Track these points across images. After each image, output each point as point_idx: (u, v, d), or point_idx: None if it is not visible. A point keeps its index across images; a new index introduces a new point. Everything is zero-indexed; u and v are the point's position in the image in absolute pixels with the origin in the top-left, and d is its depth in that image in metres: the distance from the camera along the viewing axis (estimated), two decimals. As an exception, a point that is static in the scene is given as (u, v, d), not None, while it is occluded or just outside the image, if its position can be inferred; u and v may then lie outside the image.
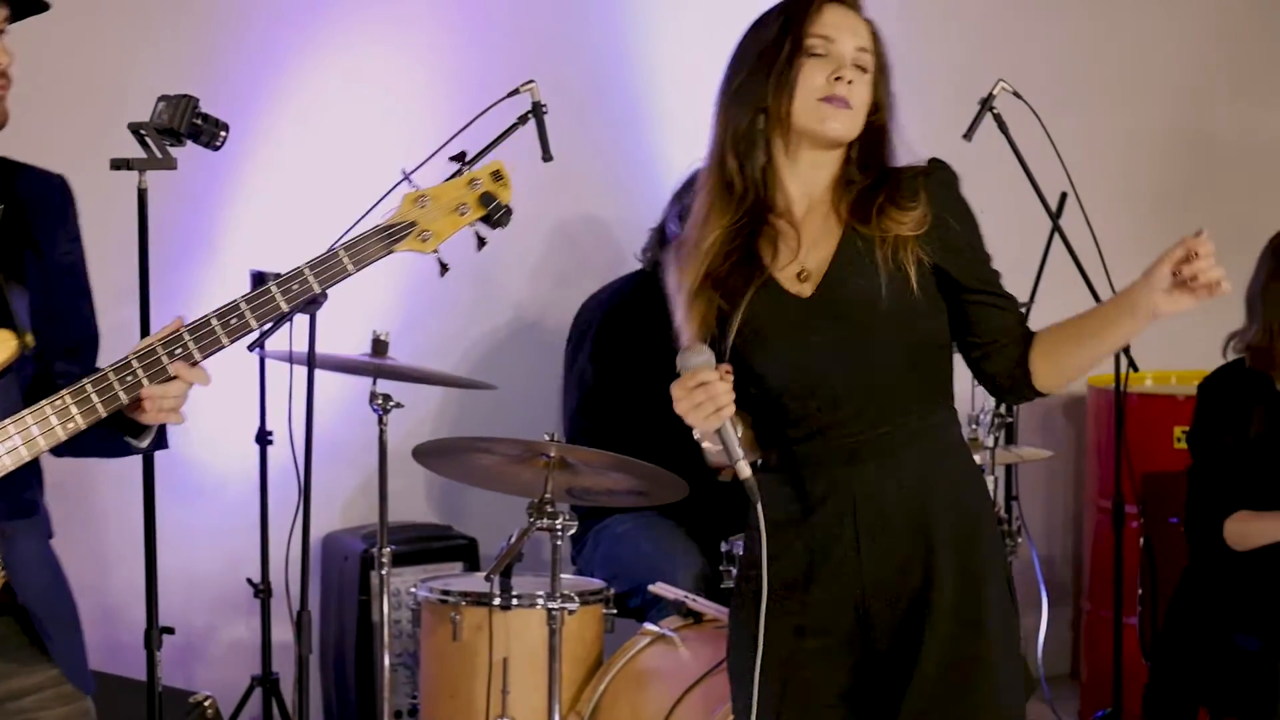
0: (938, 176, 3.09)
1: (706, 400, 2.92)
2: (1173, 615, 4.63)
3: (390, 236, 2.98)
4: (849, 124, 3.04)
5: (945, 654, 3.01)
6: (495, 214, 3.07)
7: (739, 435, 2.98)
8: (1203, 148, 6.85)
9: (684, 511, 4.94)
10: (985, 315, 3.11)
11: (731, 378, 2.95)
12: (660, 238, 5.23)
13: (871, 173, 3.09)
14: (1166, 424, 5.93)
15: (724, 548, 4.55)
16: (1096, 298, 5.34)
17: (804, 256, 3.07)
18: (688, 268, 3.11)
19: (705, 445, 3.07)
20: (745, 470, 2.97)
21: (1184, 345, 5.97)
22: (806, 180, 3.10)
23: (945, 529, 3.05)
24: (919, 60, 6.06)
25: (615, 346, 5.20)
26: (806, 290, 3.06)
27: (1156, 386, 6.38)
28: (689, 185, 5.20)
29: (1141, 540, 5.12)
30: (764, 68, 3.03)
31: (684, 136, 5.75)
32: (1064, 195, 5.45)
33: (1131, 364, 5.45)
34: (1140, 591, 5.10)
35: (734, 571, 4.49)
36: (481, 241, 3.10)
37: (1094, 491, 6.28)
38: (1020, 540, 5.40)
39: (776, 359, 3.04)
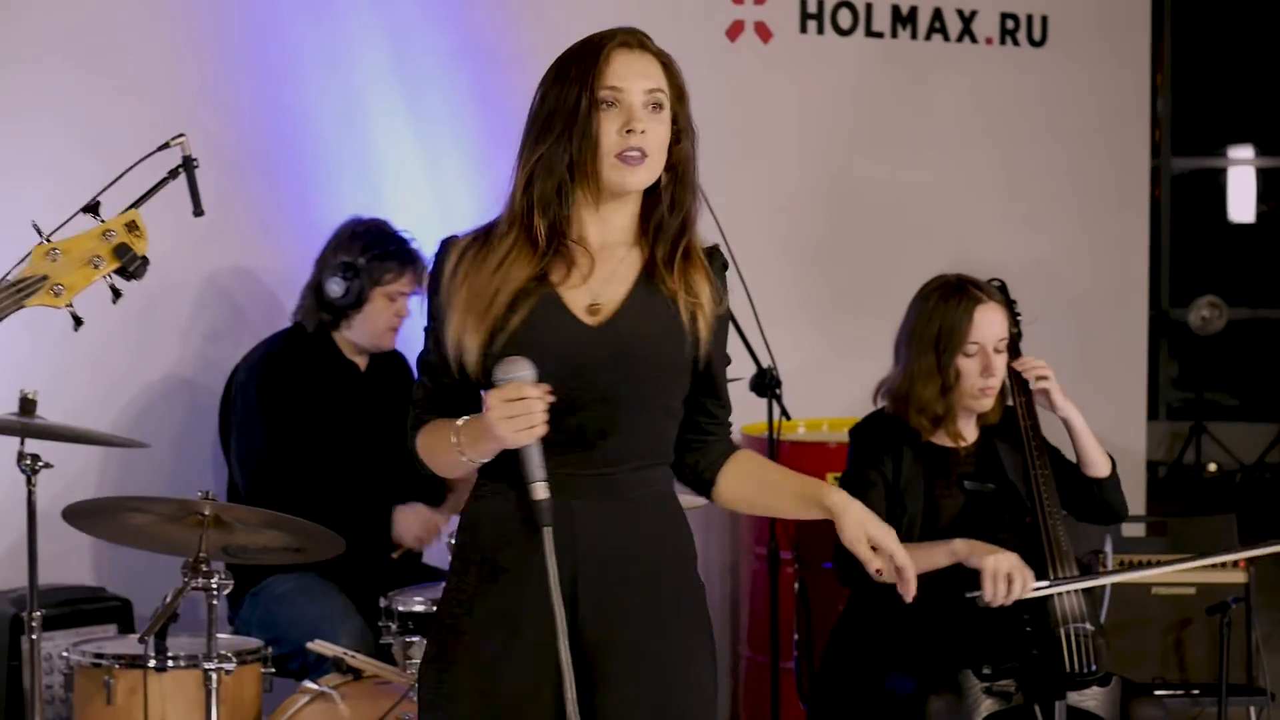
0: (722, 262, 3.27)
1: (523, 415, 2.92)
2: (829, 659, 4.71)
3: (20, 291, 2.91)
4: (648, 173, 3.11)
5: (648, 697, 3.12)
6: (131, 265, 3.02)
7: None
8: (848, 197, 7.00)
9: (343, 569, 4.91)
10: (716, 410, 3.27)
11: (551, 399, 2.95)
12: (317, 297, 5.20)
13: (678, 214, 3.17)
14: (819, 471, 6.01)
15: (383, 604, 4.52)
16: (748, 347, 5.43)
17: (597, 289, 3.12)
18: (479, 283, 3.09)
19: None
20: (541, 492, 2.97)
21: (835, 393, 6.11)
22: (608, 222, 3.15)
23: (670, 577, 3.20)
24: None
25: (276, 403, 5.14)
26: (596, 321, 3.10)
27: (809, 434, 6.50)
28: (345, 239, 5.20)
29: (797, 586, 5.20)
30: (565, 130, 3.07)
31: (336, 189, 5.74)
32: (715, 247, 5.53)
33: (784, 412, 5.54)
34: (796, 636, 5.17)
35: (393, 628, 4.46)
36: (116, 294, 3.05)
37: (750, 539, 6.36)
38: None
39: (547, 378, 3.01)
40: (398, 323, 5.22)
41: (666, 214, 3.16)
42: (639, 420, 3.12)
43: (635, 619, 3.14)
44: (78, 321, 3.00)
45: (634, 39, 3.19)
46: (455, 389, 3.12)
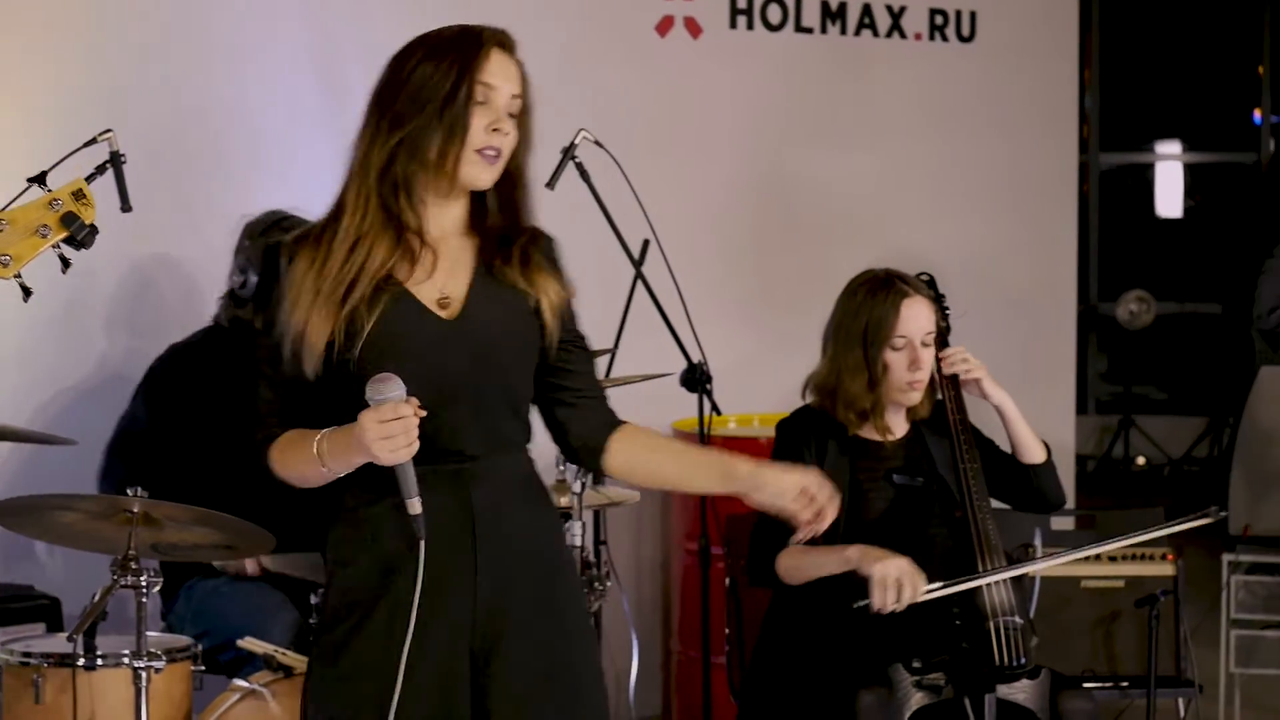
0: (552, 245, 3.29)
1: (401, 434, 2.94)
2: (760, 654, 4.72)
3: (-35, 262, 2.88)
4: (495, 172, 3.15)
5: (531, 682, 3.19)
6: (79, 233, 3.00)
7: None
8: (779, 193, 7.02)
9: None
10: (579, 361, 3.31)
11: (422, 414, 2.97)
12: (232, 298, 5.18)
13: (507, 215, 3.21)
14: (749, 466, 6.03)
15: (314, 600, 4.50)
16: (679, 342, 5.44)
17: (442, 281, 3.14)
18: (324, 281, 3.08)
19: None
20: (417, 506, 3.00)
21: (766, 388, 6.12)
22: (447, 214, 3.18)
23: (550, 555, 3.27)
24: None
25: (172, 393, 5.12)
26: (448, 315, 3.13)
27: (739, 429, 6.51)
28: (242, 231, 5.17)
29: (728, 581, 5.21)
30: (438, 114, 3.07)
31: (264, 182, 5.71)
32: (646, 243, 5.54)
33: (715, 407, 5.54)
34: (728, 631, 5.18)
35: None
36: (66, 263, 3.03)
37: (681, 534, 6.37)
38: (609, 584, 5.45)
39: (408, 376, 3.02)
40: None
41: (498, 215, 3.21)
42: (500, 408, 3.18)
43: (523, 597, 3.20)
44: (26, 292, 2.98)
45: (509, 42, 3.20)
46: (301, 391, 3.13)
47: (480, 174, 3.13)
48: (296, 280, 3.10)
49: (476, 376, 3.14)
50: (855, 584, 4.34)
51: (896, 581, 4.27)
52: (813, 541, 4.50)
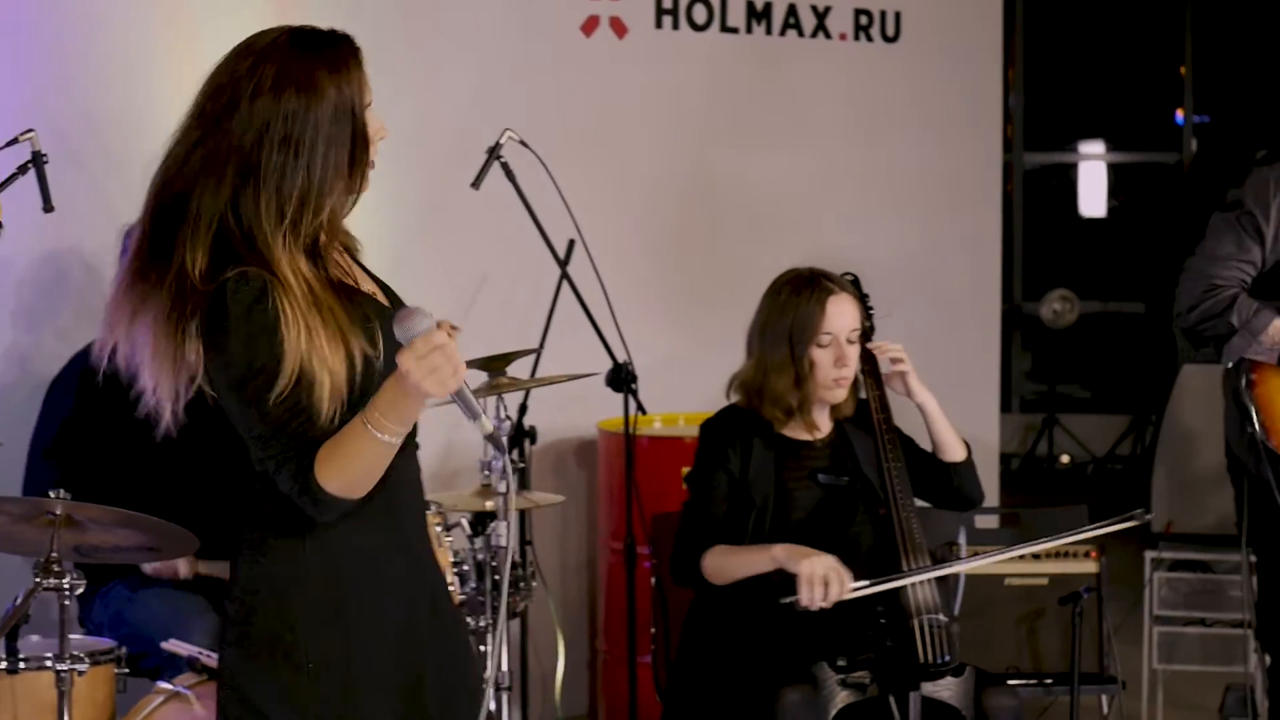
0: None
1: (445, 363, 2.77)
2: (685, 653, 4.72)
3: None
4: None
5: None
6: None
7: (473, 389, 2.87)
8: (703, 193, 7.03)
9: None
10: None
11: (458, 333, 2.87)
12: None
13: None
14: (675, 465, 6.05)
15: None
16: (604, 342, 5.44)
17: (362, 280, 3.10)
18: (301, 324, 2.89)
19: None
20: (488, 425, 2.86)
21: (691, 387, 6.12)
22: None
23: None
24: (423, 109, 6.12)
25: (97, 394, 5.09)
26: (385, 303, 3.09)
27: (665, 429, 6.52)
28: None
29: (653, 580, 5.21)
30: (347, 155, 2.95)
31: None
32: (571, 242, 5.55)
33: (640, 407, 5.55)
34: (653, 630, 5.18)
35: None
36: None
37: (606, 534, 6.38)
38: (535, 584, 5.46)
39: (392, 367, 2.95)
40: None
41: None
42: None
43: (458, 623, 3.29)
44: None
45: (355, 42, 3.06)
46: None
47: (368, 179, 3.04)
48: (290, 312, 2.90)
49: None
50: (780, 583, 4.35)
51: (823, 579, 4.28)
52: (738, 541, 4.54)
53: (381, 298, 3.09)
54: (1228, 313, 4.59)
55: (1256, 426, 4.67)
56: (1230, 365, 4.69)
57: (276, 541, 3.01)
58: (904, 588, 4.46)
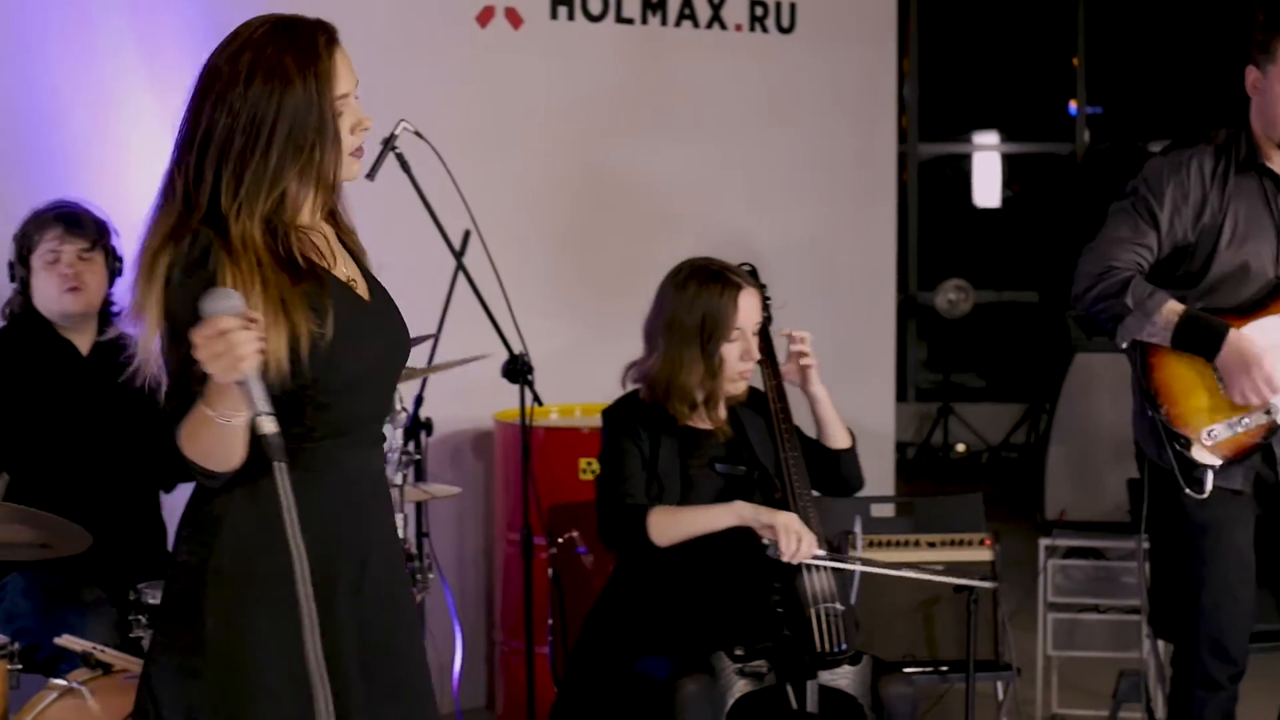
0: None
1: (226, 351, 2.78)
2: (583, 644, 4.72)
3: None
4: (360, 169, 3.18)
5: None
6: None
7: (262, 388, 2.84)
8: (598, 184, 7.02)
9: (90, 562, 4.83)
10: None
11: (256, 325, 2.84)
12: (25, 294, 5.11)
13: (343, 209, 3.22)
14: (572, 456, 6.05)
15: (132, 596, 4.45)
16: (500, 333, 5.43)
17: (340, 266, 3.14)
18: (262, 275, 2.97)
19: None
20: (269, 426, 2.81)
21: (587, 378, 6.12)
22: (319, 207, 3.15)
23: (398, 552, 3.32)
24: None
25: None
26: (365, 295, 3.15)
27: (561, 419, 6.51)
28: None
29: (550, 571, 5.21)
30: (317, 144, 3.02)
31: (82, 175, 5.63)
32: (467, 233, 5.53)
33: (536, 398, 5.54)
34: (551, 621, 5.18)
35: (144, 621, 4.39)
36: None
37: (503, 525, 6.36)
38: (432, 576, 5.44)
39: (354, 356, 3.05)
40: (66, 284, 5.07)
41: (342, 200, 3.22)
42: (389, 393, 3.26)
43: (398, 585, 3.25)
44: None
45: (336, 33, 3.14)
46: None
47: (354, 171, 3.14)
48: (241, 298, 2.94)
49: (386, 359, 3.18)
50: (701, 565, 4.37)
51: (798, 534, 4.33)
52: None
53: (361, 288, 3.15)
54: (1122, 294, 4.63)
55: (1157, 411, 4.71)
56: (1125, 346, 4.73)
57: (195, 531, 3.08)
58: (800, 578, 4.48)
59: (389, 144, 5.28)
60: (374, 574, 3.17)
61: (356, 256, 3.21)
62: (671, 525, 4.48)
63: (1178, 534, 4.82)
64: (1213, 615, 4.77)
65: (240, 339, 2.80)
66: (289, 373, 2.94)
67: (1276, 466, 4.74)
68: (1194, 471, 4.69)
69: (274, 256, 3.00)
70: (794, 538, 4.36)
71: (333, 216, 3.20)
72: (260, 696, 3.03)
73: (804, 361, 4.74)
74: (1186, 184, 4.73)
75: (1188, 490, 4.69)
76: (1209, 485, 4.68)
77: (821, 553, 4.43)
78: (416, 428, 5.52)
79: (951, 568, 5.49)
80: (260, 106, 3.00)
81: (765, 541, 4.40)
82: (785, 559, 4.36)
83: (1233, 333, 4.62)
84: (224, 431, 2.91)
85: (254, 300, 2.91)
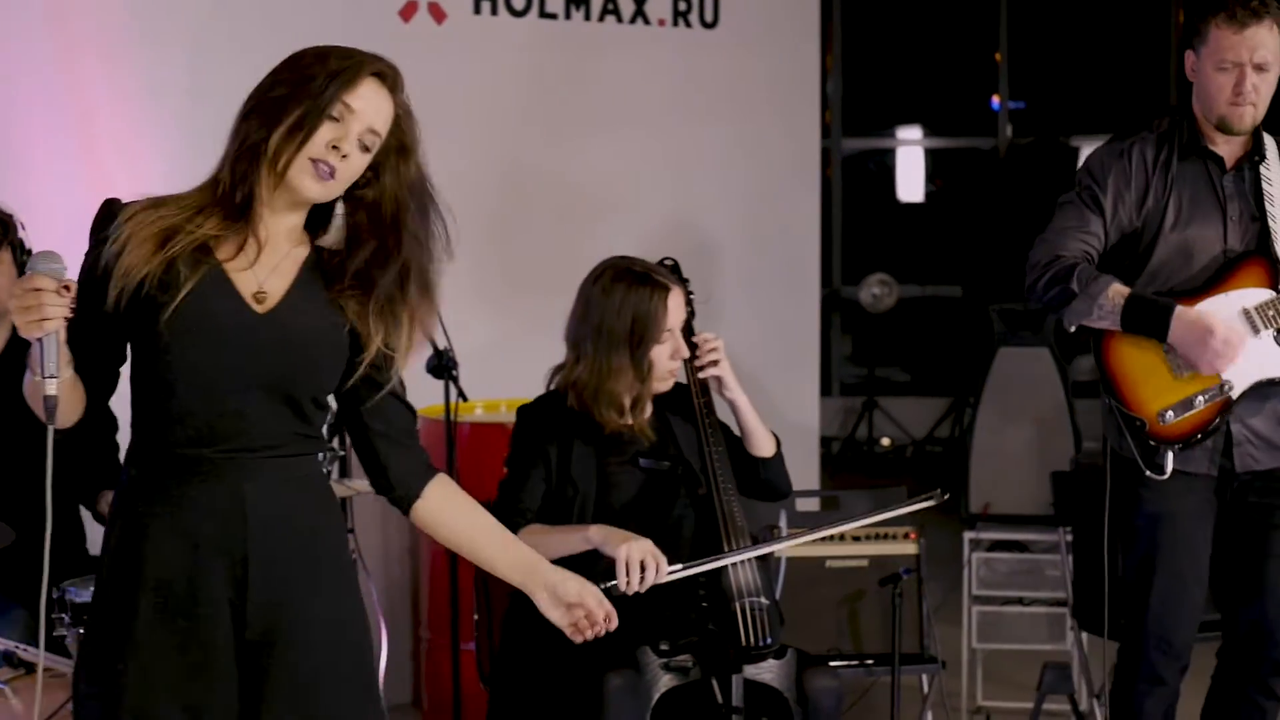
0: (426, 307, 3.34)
1: (34, 307, 2.94)
2: (508, 640, 4.71)
3: None
4: (325, 190, 3.15)
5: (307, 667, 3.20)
6: None
7: (60, 355, 2.99)
8: (522, 179, 7.01)
9: (7, 561, 4.79)
10: (398, 411, 3.37)
11: (70, 295, 2.97)
12: None
13: (355, 245, 3.22)
14: (497, 452, 6.01)
15: (55, 594, 4.41)
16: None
17: (262, 276, 3.15)
18: (156, 224, 3.08)
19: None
20: (50, 388, 2.99)
21: (512, 373, 6.10)
22: (281, 220, 3.18)
23: (330, 550, 3.29)
24: (239, 96, 6.05)
25: None
26: (259, 308, 3.14)
27: (486, 415, 6.50)
28: None
29: (476, 567, 5.19)
30: (288, 111, 3.08)
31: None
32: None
33: (461, 394, 5.53)
34: (476, 617, 5.17)
35: (66, 619, 4.36)
36: None
37: (429, 521, 6.35)
38: (358, 572, 5.42)
39: (208, 356, 3.08)
40: None
41: (343, 241, 3.23)
42: (291, 409, 3.19)
43: (303, 587, 3.21)
44: None
45: (392, 76, 3.24)
46: (96, 328, 3.12)
47: (308, 184, 3.12)
48: (131, 218, 3.09)
49: (275, 374, 3.14)
50: (605, 570, 4.35)
51: (639, 562, 4.29)
52: (580, 519, 4.53)
53: (266, 303, 3.14)
54: (1069, 280, 4.66)
55: (1114, 398, 4.74)
56: (1073, 329, 4.76)
57: (111, 519, 3.23)
58: (726, 571, 4.47)
59: (311, 139, 5.26)
60: (263, 582, 3.17)
61: (331, 296, 3.21)
62: (537, 549, 4.48)
63: (1132, 525, 4.83)
64: (1161, 610, 4.78)
65: (48, 299, 2.95)
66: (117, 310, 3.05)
67: (1233, 452, 4.76)
68: (1154, 456, 4.72)
69: (188, 237, 3.09)
70: (635, 570, 4.27)
71: (310, 237, 3.23)
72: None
73: (711, 372, 4.72)
74: (1129, 171, 4.77)
75: (1148, 473, 4.71)
76: (1169, 467, 4.69)
77: (677, 567, 4.35)
78: (341, 424, 5.49)
79: (875, 561, 5.52)
80: (280, 74, 3.14)
81: (604, 585, 4.35)
82: (626, 591, 4.31)
83: (1179, 308, 4.64)
84: (31, 386, 3.04)
85: (132, 251, 3.04)
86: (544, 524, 4.52)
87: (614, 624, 3.44)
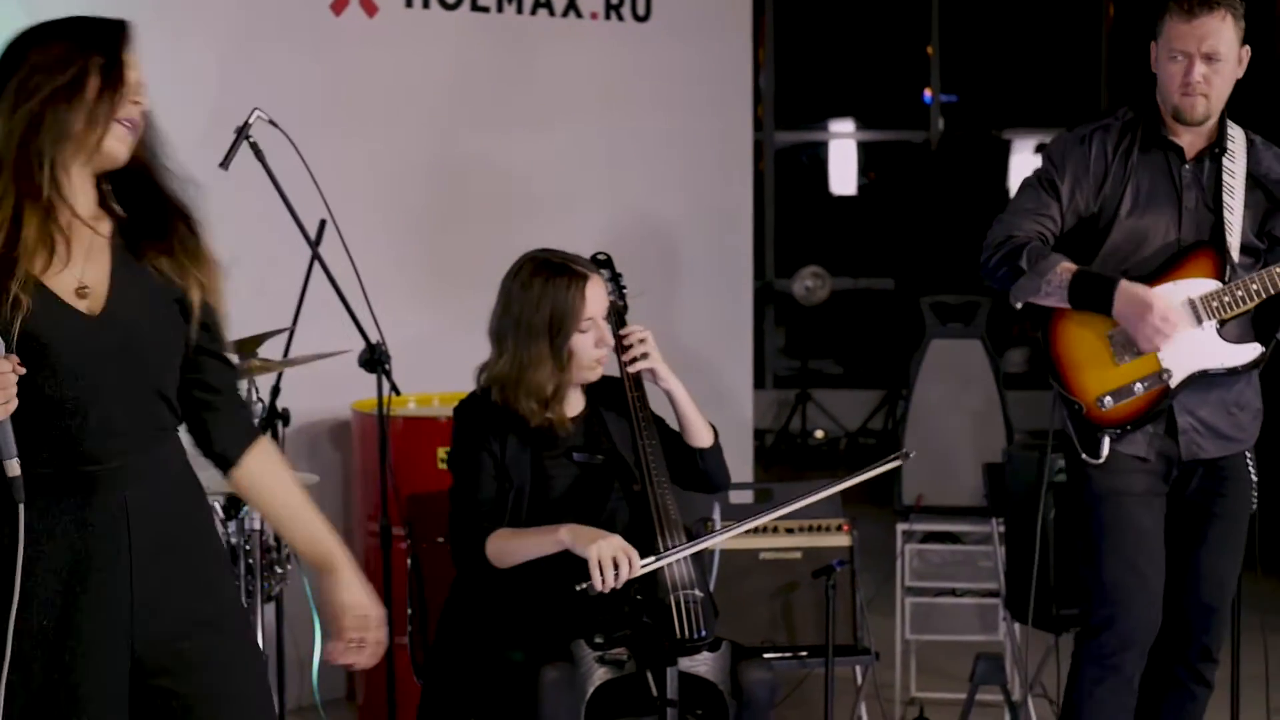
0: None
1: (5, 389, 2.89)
2: (443, 633, 4.71)
3: None
4: (132, 145, 3.13)
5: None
6: None
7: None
8: (454, 173, 7.00)
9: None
10: (218, 371, 3.29)
11: (21, 371, 2.90)
12: None
13: (152, 196, 3.17)
14: (430, 445, 6.03)
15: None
16: (357, 323, 5.40)
17: (80, 268, 3.07)
18: None
19: None
20: (15, 469, 2.93)
21: (445, 367, 6.10)
22: (82, 195, 3.11)
23: (206, 542, 3.29)
24: (169, 87, 6.02)
25: None
26: (90, 308, 3.06)
27: (419, 409, 6.49)
28: None
29: (410, 561, 5.19)
30: (82, 100, 3.04)
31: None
32: (323, 223, 5.49)
33: (394, 388, 5.52)
34: (410, 611, 5.16)
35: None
36: None
37: (362, 514, 6.33)
38: (290, 567, 5.40)
39: (57, 373, 3.00)
40: None
41: (138, 196, 3.19)
42: (150, 403, 3.15)
43: (186, 586, 3.20)
44: None
45: (133, 34, 3.17)
46: None
47: (120, 146, 3.10)
48: None
49: (125, 375, 3.09)
50: (577, 572, 4.35)
51: (612, 560, 4.29)
52: (515, 514, 4.53)
53: (91, 300, 3.07)
54: (1018, 258, 4.69)
55: (1057, 381, 4.78)
56: (1019, 306, 4.79)
57: None
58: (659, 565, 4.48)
59: (243, 132, 5.23)
60: (148, 593, 3.15)
61: (149, 264, 3.15)
62: (509, 554, 4.48)
63: (1082, 504, 4.86)
64: (1111, 589, 4.78)
65: (9, 382, 2.90)
66: None
67: (1178, 436, 4.79)
68: (1091, 439, 4.75)
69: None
70: (608, 569, 4.29)
71: (113, 217, 3.16)
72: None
73: (641, 365, 4.71)
74: (1088, 157, 4.81)
75: (1084, 455, 4.74)
76: (1105, 451, 4.73)
77: (649, 560, 4.38)
78: (273, 418, 5.48)
79: (808, 553, 5.54)
80: (31, 50, 3.07)
81: (580, 586, 4.36)
82: (603, 590, 4.32)
83: (1123, 282, 4.68)
84: None
85: None
86: (513, 528, 4.52)
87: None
